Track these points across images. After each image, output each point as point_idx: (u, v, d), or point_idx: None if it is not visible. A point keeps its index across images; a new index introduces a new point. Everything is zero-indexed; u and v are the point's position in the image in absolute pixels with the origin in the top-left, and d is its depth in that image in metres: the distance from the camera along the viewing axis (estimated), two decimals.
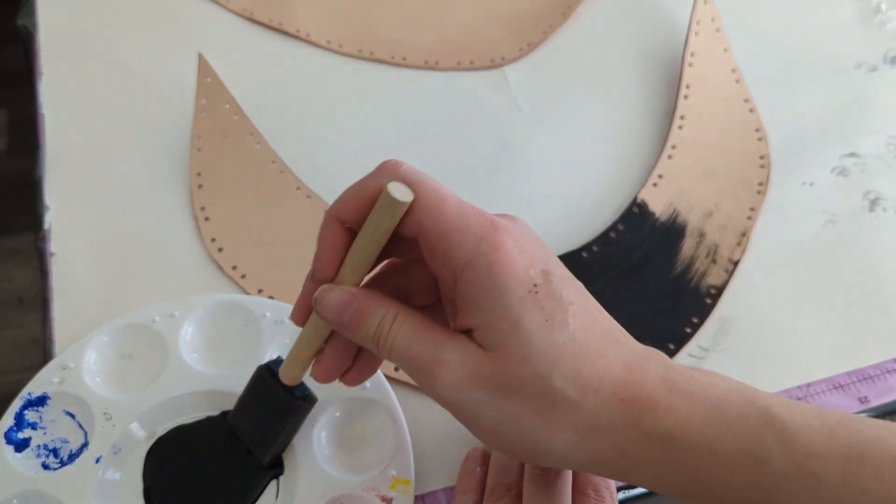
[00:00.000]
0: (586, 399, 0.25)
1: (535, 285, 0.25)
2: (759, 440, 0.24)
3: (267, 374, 0.31)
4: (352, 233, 0.27)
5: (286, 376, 0.30)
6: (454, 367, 0.26)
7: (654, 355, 0.27)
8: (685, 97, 0.46)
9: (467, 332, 0.26)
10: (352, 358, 0.29)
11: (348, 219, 0.27)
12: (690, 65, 0.47)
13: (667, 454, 0.25)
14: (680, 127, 0.46)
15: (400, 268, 0.30)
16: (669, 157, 0.45)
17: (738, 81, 0.48)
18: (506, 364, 0.25)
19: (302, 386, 0.31)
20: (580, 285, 0.27)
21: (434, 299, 0.29)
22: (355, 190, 0.27)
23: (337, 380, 0.29)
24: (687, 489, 0.25)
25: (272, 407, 0.31)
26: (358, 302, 0.27)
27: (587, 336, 0.26)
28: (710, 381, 0.26)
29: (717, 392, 0.26)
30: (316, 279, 0.28)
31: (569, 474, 0.32)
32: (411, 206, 0.25)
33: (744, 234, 0.42)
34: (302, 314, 0.29)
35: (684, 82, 0.47)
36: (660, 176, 0.44)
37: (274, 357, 0.32)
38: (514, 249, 0.25)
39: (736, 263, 0.41)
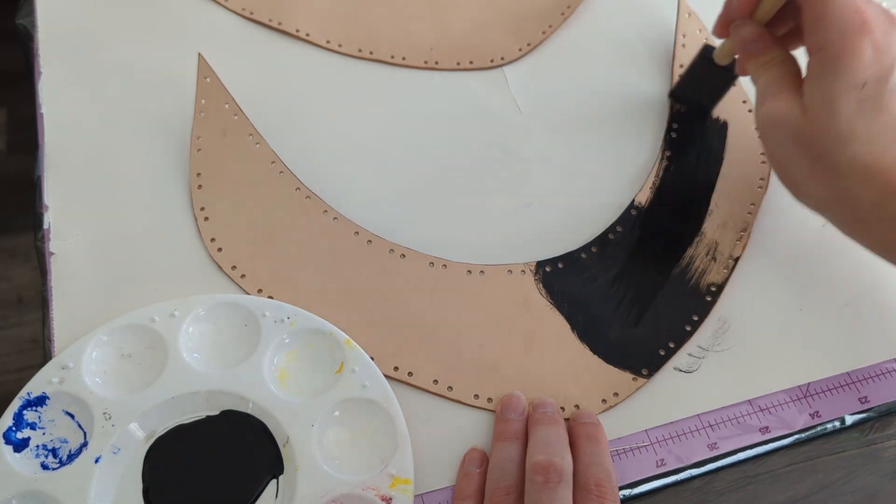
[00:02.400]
0: (850, 176, 0.33)
1: (865, 84, 0.32)
2: None
3: (707, 56, 0.43)
4: None
5: (720, 59, 0.42)
6: (778, 107, 0.35)
7: None
8: (677, 109, 0.47)
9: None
10: None
11: None
12: (682, 71, 0.47)
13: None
14: (674, 136, 0.46)
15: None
16: (665, 164, 0.45)
17: (734, 85, 0.48)
18: (809, 126, 0.33)
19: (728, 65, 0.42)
20: None
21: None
22: None
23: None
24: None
25: (711, 74, 0.43)
26: (763, 40, 0.37)
27: (884, 132, 0.32)
28: None
29: None
30: (734, 14, 0.38)
31: (570, 479, 0.31)
32: None
33: (744, 230, 0.42)
34: (721, 29, 0.39)
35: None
36: (655, 181, 0.44)
37: (275, 356, 0.35)
38: (866, 51, 0.31)
39: (736, 260, 0.41)
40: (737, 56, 0.40)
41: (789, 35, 0.38)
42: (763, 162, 0.45)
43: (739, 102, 0.47)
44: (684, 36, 0.49)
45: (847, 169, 0.33)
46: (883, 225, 0.33)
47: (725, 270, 0.41)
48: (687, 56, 0.48)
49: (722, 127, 0.46)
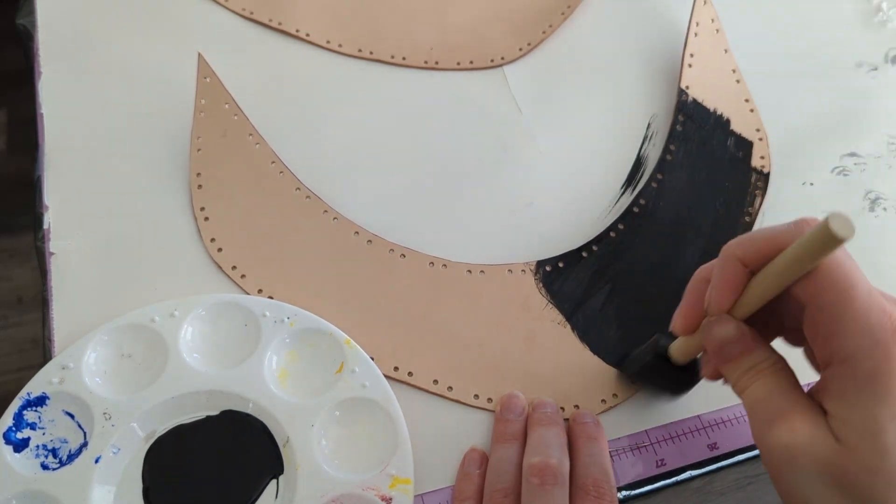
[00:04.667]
0: None
1: None
2: None
3: (662, 356, 0.34)
4: (749, 276, 0.28)
5: (679, 358, 0.33)
6: (797, 433, 0.26)
7: None
8: (684, 99, 0.46)
9: (822, 407, 0.27)
10: None
11: (750, 261, 0.28)
12: (690, 66, 0.47)
13: None
14: (679, 128, 0.45)
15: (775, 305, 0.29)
16: (668, 158, 0.44)
17: (738, 82, 0.48)
18: (850, 463, 0.25)
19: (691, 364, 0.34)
20: None
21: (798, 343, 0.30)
22: (766, 234, 0.27)
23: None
24: None
25: (667, 377, 0.35)
26: (744, 343, 0.28)
27: None
28: None
29: None
30: (711, 311, 0.29)
31: (566, 480, 0.31)
32: (816, 273, 0.25)
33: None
34: (685, 328, 0.31)
35: (683, 83, 0.47)
36: (659, 176, 0.44)
37: (275, 356, 0.34)
38: None
39: None
40: (701, 356, 0.33)
41: (770, 324, 0.30)
42: (763, 166, 0.45)
43: (741, 101, 0.47)
44: (698, 24, 0.49)
45: None
46: None
47: None
48: (699, 45, 0.48)
49: (726, 123, 0.46)
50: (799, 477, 0.26)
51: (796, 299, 0.27)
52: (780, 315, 0.30)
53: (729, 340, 0.29)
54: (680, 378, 0.34)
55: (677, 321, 0.31)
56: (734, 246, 0.28)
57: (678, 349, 0.33)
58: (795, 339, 0.30)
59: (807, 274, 0.26)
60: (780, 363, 0.29)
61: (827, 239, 0.24)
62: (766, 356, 0.29)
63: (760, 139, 0.46)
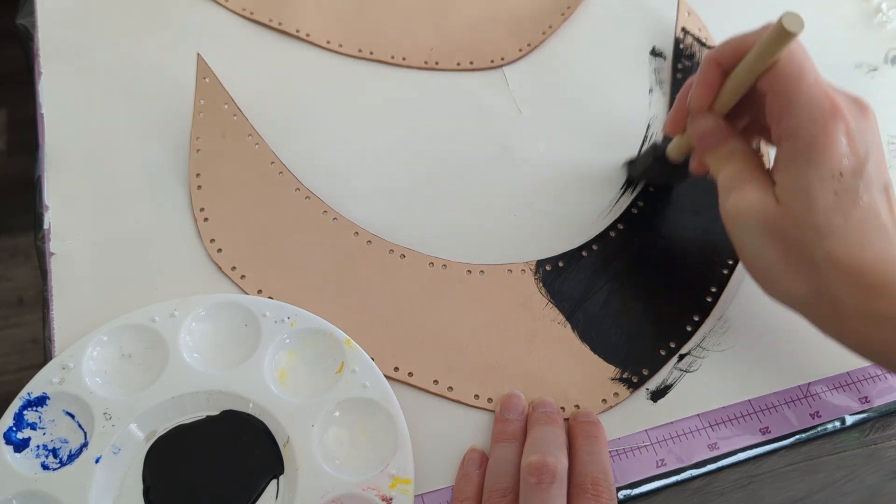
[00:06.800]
0: (829, 273, 0.31)
1: (841, 174, 0.30)
2: None
3: (660, 158, 0.40)
4: (724, 75, 0.33)
5: (673, 156, 0.39)
6: (747, 198, 0.32)
7: None
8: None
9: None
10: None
11: (725, 61, 0.33)
12: (679, 77, 0.47)
13: (885, 333, 0.31)
14: None
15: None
16: None
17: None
18: (783, 218, 0.31)
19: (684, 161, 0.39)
20: (888, 188, 0.32)
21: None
22: (737, 38, 0.33)
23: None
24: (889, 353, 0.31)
25: (665, 174, 0.42)
26: (723, 132, 0.34)
27: (861, 227, 0.30)
28: None
29: None
30: (693, 109, 0.35)
31: (564, 479, 0.31)
32: (775, 66, 0.31)
33: None
34: (674, 126, 0.37)
35: (674, 93, 0.47)
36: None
37: (276, 356, 0.35)
38: (841, 139, 0.30)
39: (736, 262, 0.41)
40: (691, 153, 0.38)
41: (746, 130, 0.36)
42: None
43: None
44: (685, 33, 0.49)
45: (825, 265, 0.31)
46: (866, 323, 0.31)
47: (725, 272, 0.41)
48: (688, 53, 0.48)
49: None
50: (747, 232, 0.33)
51: (761, 93, 0.32)
52: (758, 114, 0.35)
53: (709, 132, 0.34)
54: (675, 174, 0.40)
55: (669, 122, 0.38)
56: (712, 51, 0.34)
57: (673, 148, 0.38)
58: (769, 138, 0.34)
59: (768, 68, 0.31)
60: (750, 152, 0.34)
61: (781, 34, 0.29)
62: (739, 146, 0.34)
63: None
